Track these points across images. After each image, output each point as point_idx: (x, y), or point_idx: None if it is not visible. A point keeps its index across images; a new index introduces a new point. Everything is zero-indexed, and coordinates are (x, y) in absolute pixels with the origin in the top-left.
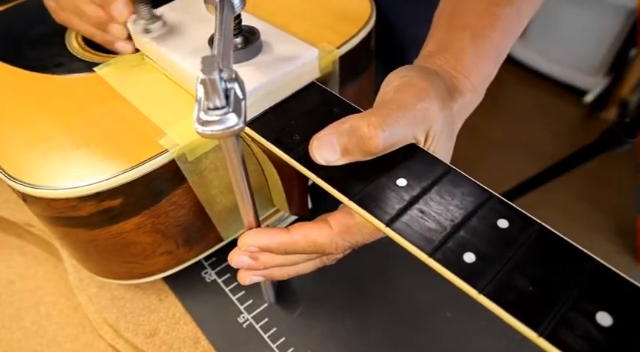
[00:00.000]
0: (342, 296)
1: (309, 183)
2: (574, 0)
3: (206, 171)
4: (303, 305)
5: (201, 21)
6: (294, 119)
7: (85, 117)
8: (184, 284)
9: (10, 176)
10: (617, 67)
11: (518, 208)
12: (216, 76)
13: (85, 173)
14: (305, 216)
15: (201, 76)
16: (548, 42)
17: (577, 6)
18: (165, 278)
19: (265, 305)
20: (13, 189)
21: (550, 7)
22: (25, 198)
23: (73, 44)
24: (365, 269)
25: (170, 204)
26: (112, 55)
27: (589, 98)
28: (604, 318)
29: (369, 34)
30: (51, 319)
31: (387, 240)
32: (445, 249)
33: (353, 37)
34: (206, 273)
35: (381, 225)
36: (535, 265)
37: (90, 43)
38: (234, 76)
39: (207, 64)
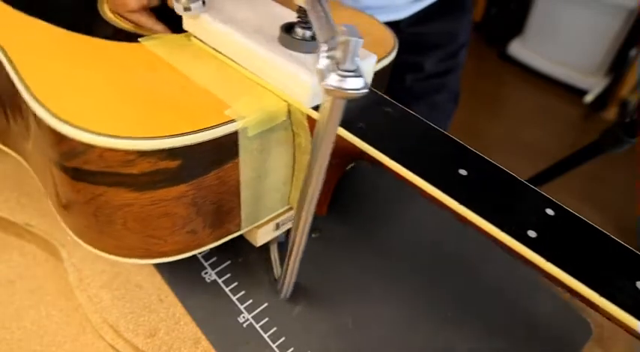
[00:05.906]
0: (342, 295)
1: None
2: (574, 0)
3: (255, 151)
4: (302, 304)
5: (245, 3)
6: (353, 112)
7: (139, 81)
8: (184, 284)
9: (66, 121)
10: (617, 67)
11: (564, 206)
12: (359, 39)
13: (149, 129)
14: (321, 215)
15: (347, 37)
16: (548, 42)
17: (577, 6)
18: (166, 278)
19: (265, 305)
20: (59, 140)
21: (550, 7)
22: (75, 147)
23: (107, 14)
24: (365, 268)
25: (216, 178)
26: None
27: (589, 98)
28: None
29: (391, 63)
30: (51, 319)
31: (388, 239)
32: (511, 228)
33: (385, 57)
34: (206, 273)
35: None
36: (582, 246)
37: None
38: None
39: (350, 28)
